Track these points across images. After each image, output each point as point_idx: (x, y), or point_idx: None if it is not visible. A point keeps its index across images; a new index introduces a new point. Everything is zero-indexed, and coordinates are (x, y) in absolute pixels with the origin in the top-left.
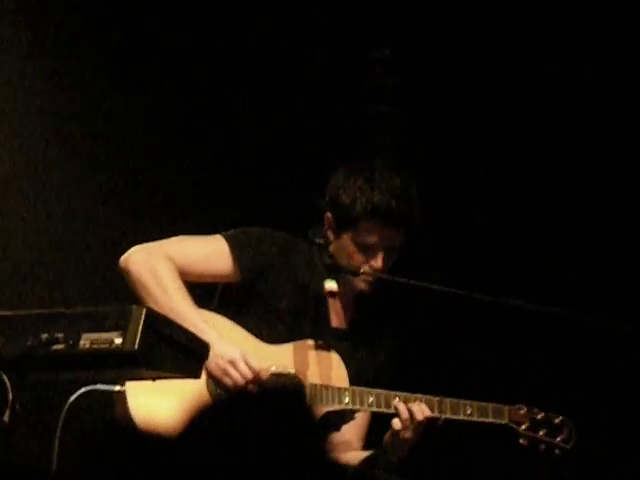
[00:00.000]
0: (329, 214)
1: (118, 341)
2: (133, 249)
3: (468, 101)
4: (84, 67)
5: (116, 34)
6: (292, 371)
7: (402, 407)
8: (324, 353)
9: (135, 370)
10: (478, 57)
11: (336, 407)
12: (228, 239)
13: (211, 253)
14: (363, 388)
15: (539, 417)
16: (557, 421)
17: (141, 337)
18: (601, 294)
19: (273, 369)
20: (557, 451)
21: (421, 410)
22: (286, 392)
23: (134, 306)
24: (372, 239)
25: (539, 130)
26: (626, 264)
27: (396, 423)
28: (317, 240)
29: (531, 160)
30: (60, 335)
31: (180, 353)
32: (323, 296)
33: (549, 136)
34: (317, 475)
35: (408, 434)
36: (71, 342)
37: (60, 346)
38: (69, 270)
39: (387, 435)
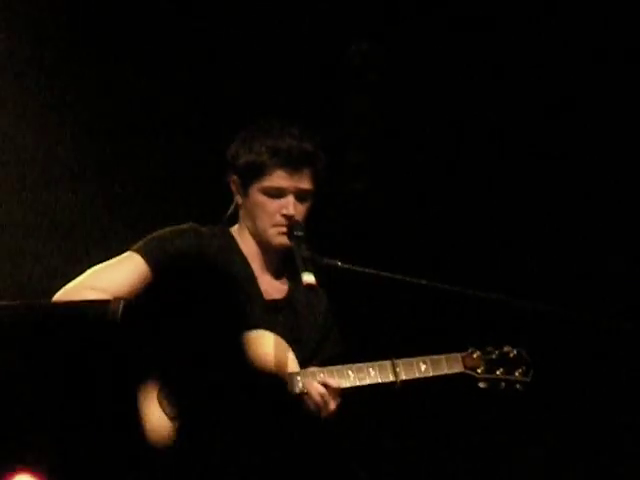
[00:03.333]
0: (234, 177)
1: None
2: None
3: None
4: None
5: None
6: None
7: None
8: (267, 338)
9: None
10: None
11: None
12: (139, 251)
13: (130, 271)
14: (313, 369)
15: (494, 356)
16: (512, 355)
17: None
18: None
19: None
20: (518, 385)
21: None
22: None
23: None
24: (279, 181)
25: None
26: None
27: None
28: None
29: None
30: None
31: None
32: (248, 274)
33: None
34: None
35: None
36: None
37: None
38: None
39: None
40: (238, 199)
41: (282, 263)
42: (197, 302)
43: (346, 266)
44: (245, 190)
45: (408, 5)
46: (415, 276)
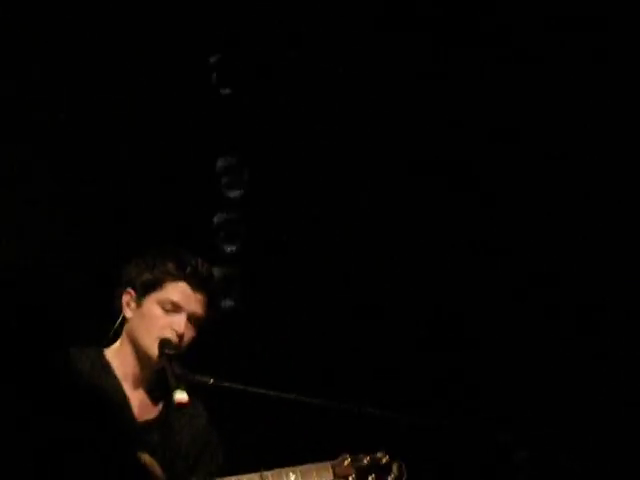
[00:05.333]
0: (128, 289)
1: None
2: None
3: None
4: None
5: None
6: None
7: None
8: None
9: None
10: None
11: None
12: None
13: None
14: None
15: (365, 462)
16: (384, 461)
17: None
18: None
19: None
20: None
21: None
22: None
23: None
24: (176, 296)
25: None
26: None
27: None
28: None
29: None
30: None
31: None
32: (119, 395)
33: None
34: None
35: None
36: None
37: None
38: None
39: None
40: (127, 313)
41: (158, 382)
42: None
43: (218, 383)
44: (139, 300)
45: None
46: (289, 390)
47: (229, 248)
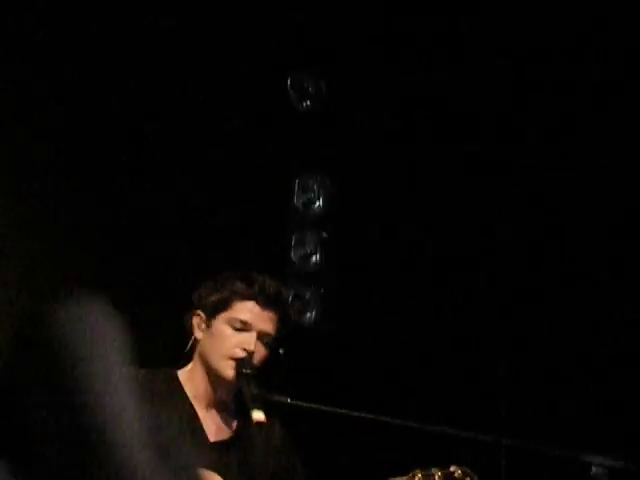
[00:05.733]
0: (197, 312)
1: None
2: None
3: None
4: None
5: None
6: None
7: None
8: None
9: None
10: None
11: None
12: None
13: None
14: None
15: (437, 477)
16: (458, 475)
17: None
18: None
19: None
20: None
21: None
22: None
23: None
24: (247, 316)
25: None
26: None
27: None
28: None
29: None
30: None
31: None
32: (190, 416)
33: None
34: None
35: None
36: None
37: None
38: None
39: None
40: (198, 334)
41: (231, 402)
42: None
43: (295, 402)
44: (209, 322)
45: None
46: (365, 409)
47: (307, 266)
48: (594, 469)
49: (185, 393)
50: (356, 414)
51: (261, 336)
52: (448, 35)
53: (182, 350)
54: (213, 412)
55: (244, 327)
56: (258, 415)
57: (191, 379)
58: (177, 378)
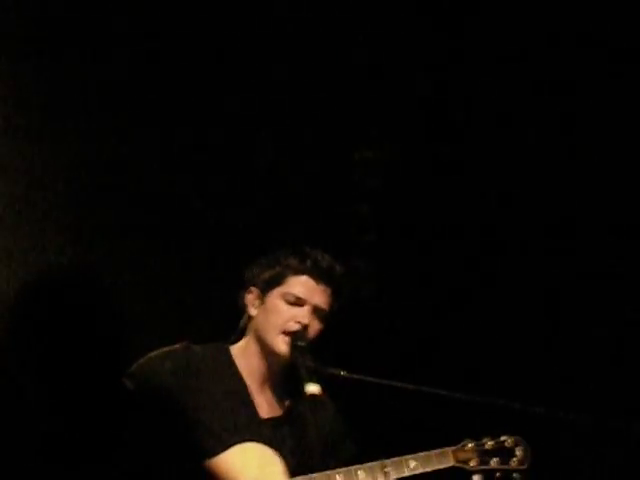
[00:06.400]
0: (251, 288)
1: None
2: None
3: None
4: None
5: None
6: None
7: None
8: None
9: None
10: None
11: None
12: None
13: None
14: (299, 478)
15: (487, 446)
16: (509, 444)
17: None
18: None
19: None
20: (515, 475)
21: None
22: None
23: None
24: (300, 290)
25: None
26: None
27: None
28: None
29: None
30: None
31: None
32: (243, 392)
33: None
34: None
35: None
36: None
37: None
38: None
39: None
40: (252, 311)
41: (284, 378)
42: (183, 423)
43: (349, 375)
44: (263, 298)
45: (409, 111)
46: (419, 382)
47: (364, 239)
48: None
49: (237, 369)
50: (408, 387)
51: (315, 310)
52: None
53: (232, 329)
54: (265, 389)
55: (298, 301)
56: (313, 388)
57: (244, 355)
58: (230, 354)
